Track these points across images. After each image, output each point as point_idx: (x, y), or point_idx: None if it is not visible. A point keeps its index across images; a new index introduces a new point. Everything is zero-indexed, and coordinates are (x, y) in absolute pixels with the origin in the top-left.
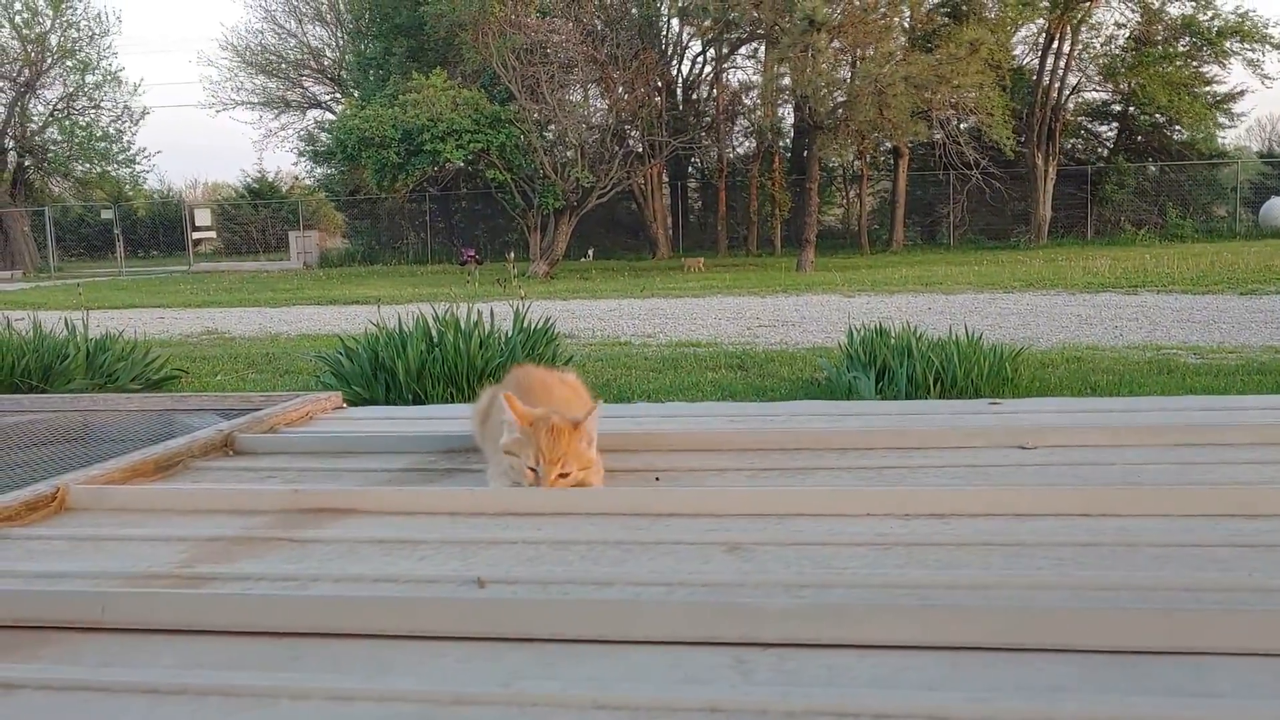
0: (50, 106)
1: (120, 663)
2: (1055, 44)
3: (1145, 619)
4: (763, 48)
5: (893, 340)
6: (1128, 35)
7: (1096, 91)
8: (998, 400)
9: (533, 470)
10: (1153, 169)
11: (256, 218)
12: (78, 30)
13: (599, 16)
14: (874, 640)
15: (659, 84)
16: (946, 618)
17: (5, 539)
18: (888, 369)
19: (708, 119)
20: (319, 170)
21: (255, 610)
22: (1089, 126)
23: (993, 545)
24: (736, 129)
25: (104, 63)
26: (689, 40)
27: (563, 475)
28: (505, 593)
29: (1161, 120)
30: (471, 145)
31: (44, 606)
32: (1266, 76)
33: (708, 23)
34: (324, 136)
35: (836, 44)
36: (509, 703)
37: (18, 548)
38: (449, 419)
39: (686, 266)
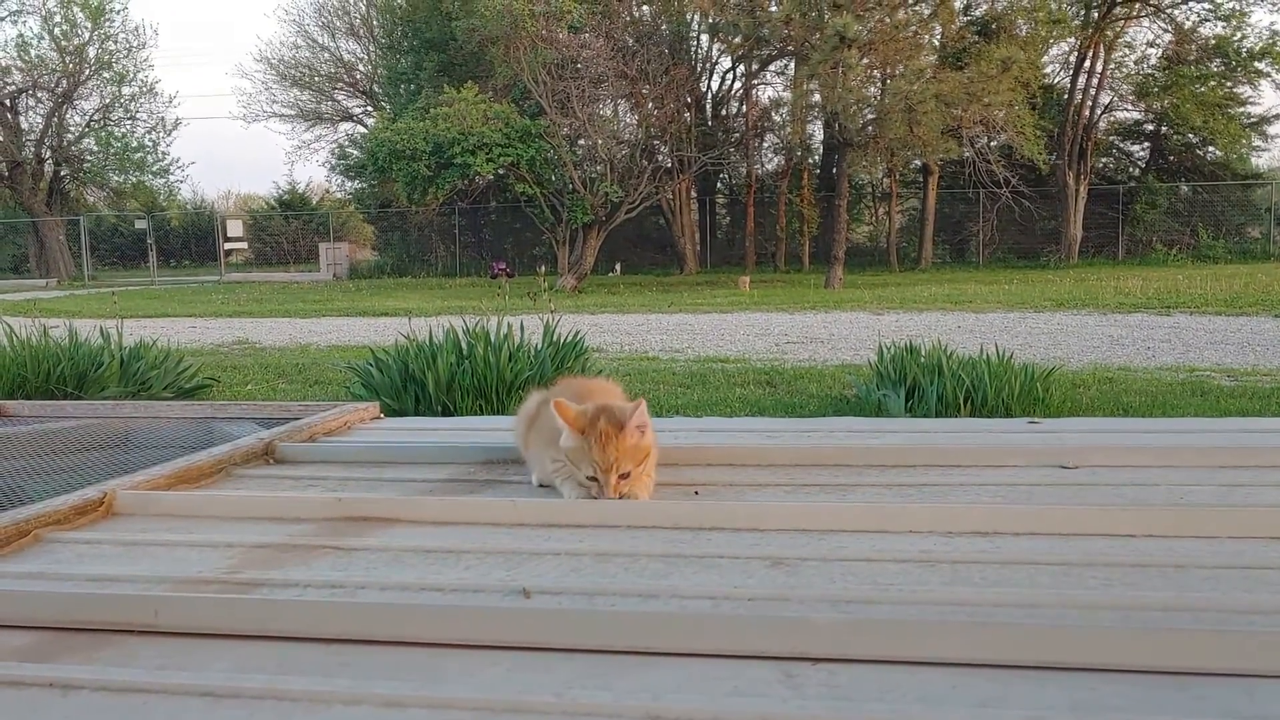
0: (87, 117)
1: (176, 666)
2: (1087, 63)
3: (1198, 640)
4: (793, 64)
5: (923, 358)
6: (1160, 55)
7: (1128, 111)
8: (1037, 420)
9: (593, 480)
10: (1185, 189)
11: (287, 229)
12: (115, 43)
13: (630, 32)
14: (924, 656)
15: (688, 100)
16: (997, 635)
17: (56, 542)
18: (918, 387)
19: (737, 135)
20: (350, 184)
21: (306, 616)
22: (1120, 146)
23: (1039, 564)
24: (765, 145)
25: (140, 75)
26: (719, 56)
27: (622, 477)
28: (551, 603)
29: (1194, 140)
30: (502, 159)
31: (98, 609)
32: None
33: (738, 39)
34: (355, 151)
35: (867, 61)
36: (563, 712)
37: (68, 551)
38: (487, 430)
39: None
